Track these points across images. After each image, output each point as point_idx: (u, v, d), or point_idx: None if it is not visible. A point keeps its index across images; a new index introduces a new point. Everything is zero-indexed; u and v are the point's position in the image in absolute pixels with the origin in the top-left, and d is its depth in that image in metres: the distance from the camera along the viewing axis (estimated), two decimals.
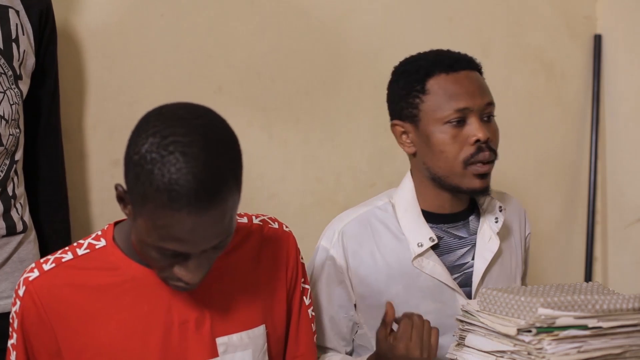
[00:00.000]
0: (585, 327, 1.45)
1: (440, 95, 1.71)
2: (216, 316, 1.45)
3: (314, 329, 1.63)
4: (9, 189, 1.78)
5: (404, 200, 1.79)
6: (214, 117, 1.30)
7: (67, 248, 1.45)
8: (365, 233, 1.77)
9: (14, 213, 1.79)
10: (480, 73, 1.78)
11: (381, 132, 2.42)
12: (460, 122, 1.70)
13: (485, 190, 1.75)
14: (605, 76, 2.70)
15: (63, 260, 1.42)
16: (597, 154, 2.69)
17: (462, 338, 1.58)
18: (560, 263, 2.71)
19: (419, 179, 1.79)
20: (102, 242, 1.43)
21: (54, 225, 1.94)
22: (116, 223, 1.48)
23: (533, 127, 2.64)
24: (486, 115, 1.73)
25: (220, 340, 1.44)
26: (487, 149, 1.71)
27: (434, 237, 1.74)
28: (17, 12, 1.79)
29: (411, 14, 2.46)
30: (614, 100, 2.69)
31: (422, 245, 1.74)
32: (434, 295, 1.75)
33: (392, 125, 1.79)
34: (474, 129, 1.70)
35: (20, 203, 1.81)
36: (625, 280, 2.65)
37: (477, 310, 1.55)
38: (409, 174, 1.81)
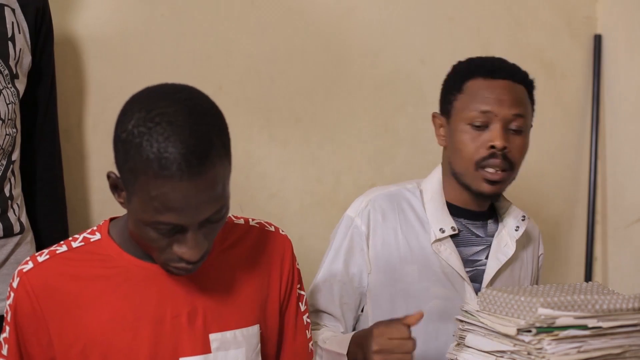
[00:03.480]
0: (585, 327, 1.45)
1: (471, 96, 1.78)
2: (210, 312, 1.44)
3: (309, 335, 1.63)
4: (6, 190, 1.77)
5: (431, 189, 1.86)
6: (195, 90, 1.35)
7: (61, 242, 1.45)
8: (392, 209, 1.84)
9: (11, 214, 1.78)
10: (529, 89, 1.83)
11: (381, 132, 2.43)
12: (483, 126, 1.76)
13: (493, 197, 1.81)
14: (605, 76, 2.70)
15: (57, 252, 1.43)
16: (597, 154, 2.69)
17: (462, 338, 1.58)
18: (560, 263, 2.71)
19: (446, 172, 1.86)
20: (97, 236, 1.45)
21: (51, 226, 1.93)
22: (111, 219, 1.48)
23: (533, 127, 2.63)
24: (514, 126, 1.77)
25: (213, 337, 1.44)
26: (501, 157, 1.75)
27: (456, 227, 1.81)
28: (13, 10, 1.78)
29: (411, 14, 2.46)
30: (614, 100, 2.69)
31: (443, 232, 1.80)
32: (445, 282, 1.80)
33: (433, 117, 1.87)
34: (492, 135, 1.75)
35: (17, 204, 1.80)
36: (625, 280, 2.65)
37: (477, 310, 1.55)
38: (439, 166, 1.88)
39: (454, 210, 1.84)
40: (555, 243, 2.69)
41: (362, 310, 1.84)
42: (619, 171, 2.68)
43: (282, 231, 1.59)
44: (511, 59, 2.57)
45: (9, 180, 1.78)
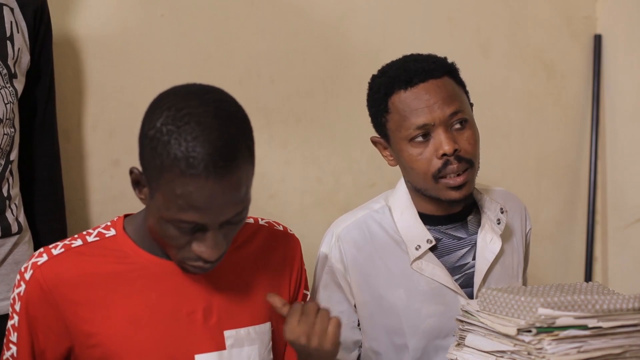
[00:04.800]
0: (585, 327, 1.45)
1: (400, 114, 1.68)
2: (224, 309, 1.46)
3: None
4: (4, 190, 1.77)
5: (400, 203, 1.77)
6: (223, 93, 1.38)
7: (76, 236, 1.46)
8: (364, 237, 1.76)
9: (8, 214, 1.78)
10: (453, 74, 1.72)
11: None
12: (425, 136, 1.67)
13: (465, 199, 1.71)
14: (605, 76, 2.70)
15: (73, 246, 1.43)
16: (597, 154, 2.69)
17: (462, 338, 1.58)
18: (560, 263, 2.71)
19: (409, 187, 1.78)
20: (112, 232, 1.45)
21: (50, 226, 1.93)
22: (126, 216, 1.49)
23: (533, 127, 2.64)
24: (456, 123, 1.67)
25: (227, 333, 1.45)
26: (456, 161, 1.66)
27: (432, 239, 1.72)
28: (12, 9, 1.78)
29: (411, 14, 2.46)
30: (614, 100, 2.69)
31: (420, 248, 1.72)
32: (435, 298, 1.73)
33: (373, 142, 1.79)
34: (438, 143, 1.66)
35: (15, 204, 1.80)
36: (625, 280, 2.65)
37: (477, 310, 1.55)
38: (403, 178, 1.80)
39: (428, 220, 1.74)
40: (555, 243, 2.69)
41: (360, 346, 1.79)
42: (619, 171, 2.68)
43: (290, 230, 1.61)
44: (511, 59, 2.59)
45: (7, 180, 1.78)
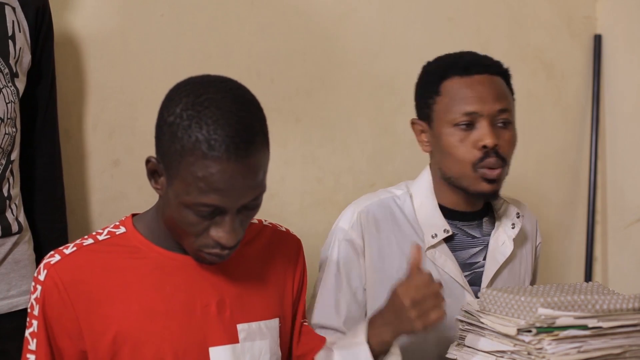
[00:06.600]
0: (585, 327, 1.45)
1: (451, 98, 1.73)
2: (236, 303, 1.47)
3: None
4: (4, 190, 1.77)
5: (421, 192, 1.81)
6: (238, 82, 1.42)
7: (86, 236, 1.47)
8: (385, 218, 1.79)
9: (9, 214, 1.78)
10: (506, 78, 1.78)
11: (381, 132, 2.43)
12: (470, 125, 1.72)
13: (493, 195, 1.76)
14: (605, 76, 2.70)
15: (84, 244, 1.45)
16: (597, 154, 2.69)
17: (462, 338, 1.58)
18: (560, 263, 2.71)
19: (436, 176, 1.81)
20: (122, 229, 1.47)
21: (50, 225, 1.93)
22: (133, 215, 1.50)
23: (533, 127, 2.64)
24: (500, 121, 1.73)
25: (240, 327, 1.47)
26: (494, 155, 1.71)
27: (449, 229, 1.76)
28: (14, 9, 1.78)
29: (411, 14, 2.46)
30: (614, 100, 2.69)
31: (436, 236, 1.75)
32: (444, 290, 1.73)
33: (412, 123, 1.82)
34: (481, 134, 1.71)
35: (15, 204, 1.80)
36: (625, 280, 2.65)
37: (477, 310, 1.55)
38: (428, 167, 1.83)
39: (448, 213, 1.79)
40: (555, 243, 2.69)
41: None
42: (619, 171, 2.68)
43: (292, 232, 1.64)
44: (511, 59, 2.57)
45: (8, 179, 1.78)
